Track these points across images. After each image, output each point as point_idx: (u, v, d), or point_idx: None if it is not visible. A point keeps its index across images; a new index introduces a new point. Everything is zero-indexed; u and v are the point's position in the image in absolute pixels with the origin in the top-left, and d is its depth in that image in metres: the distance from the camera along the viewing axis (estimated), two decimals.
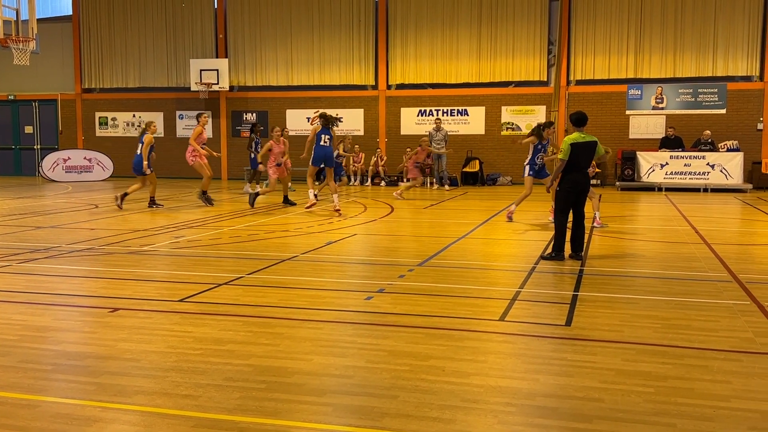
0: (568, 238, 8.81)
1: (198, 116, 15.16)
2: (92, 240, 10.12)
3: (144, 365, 4.65)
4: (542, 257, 8.75)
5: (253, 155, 17.68)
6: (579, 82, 21.94)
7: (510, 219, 12.44)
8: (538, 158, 12.26)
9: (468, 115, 22.68)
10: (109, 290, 7.04)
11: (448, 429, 3.66)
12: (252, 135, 18.11)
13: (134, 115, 25.41)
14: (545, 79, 22.13)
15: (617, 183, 20.23)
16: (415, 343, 5.15)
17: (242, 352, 4.92)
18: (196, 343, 5.11)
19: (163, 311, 6.11)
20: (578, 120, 8.75)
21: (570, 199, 8.72)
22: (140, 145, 14.19)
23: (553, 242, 8.79)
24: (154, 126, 14.70)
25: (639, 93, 21.30)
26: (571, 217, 8.89)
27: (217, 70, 23.48)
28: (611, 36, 21.50)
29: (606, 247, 9.75)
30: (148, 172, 14.25)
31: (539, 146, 12.23)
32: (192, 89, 23.72)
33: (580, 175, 8.70)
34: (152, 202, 14.61)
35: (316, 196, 14.27)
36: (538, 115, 22.10)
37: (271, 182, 14.76)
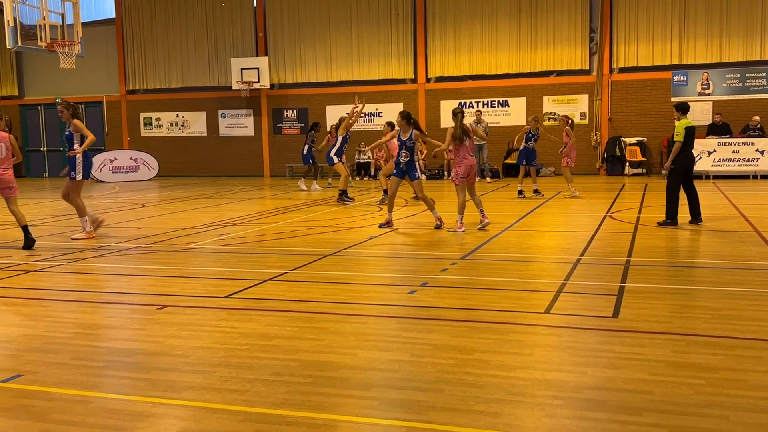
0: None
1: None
2: (140, 239, 10.31)
3: (193, 361, 4.72)
4: (658, 224, 10.31)
5: (306, 152, 18.06)
6: (622, 70, 21.57)
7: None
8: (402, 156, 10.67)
9: (509, 106, 22.50)
10: (157, 287, 7.17)
11: (495, 422, 3.64)
12: (311, 132, 18.33)
13: (177, 115, 25.79)
14: (587, 68, 21.80)
15: (663, 171, 19.83)
16: (459, 336, 5.14)
17: (288, 347, 4.96)
18: (242, 339, 5.17)
19: (210, 307, 6.20)
20: (686, 108, 10.33)
21: (682, 174, 10.20)
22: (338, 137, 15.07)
23: (667, 211, 10.31)
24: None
25: (684, 79, 20.86)
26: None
27: (258, 68, 23.68)
28: (654, 21, 21.08)
29: (653, 237, 9.58)
30: (335, 161, 15.07)
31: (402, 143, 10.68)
32: (233, 88, 23.96)
33: (690, 154, 10.33)
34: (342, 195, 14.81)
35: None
36: (580, 104, 21.82)
37: None
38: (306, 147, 18.27)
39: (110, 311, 6.32)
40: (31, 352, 4.99)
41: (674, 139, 10.21)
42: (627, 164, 21.10)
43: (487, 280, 7.17)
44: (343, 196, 14.58)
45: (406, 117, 10.62)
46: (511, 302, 6.21)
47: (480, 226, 10.31)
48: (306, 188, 18.12)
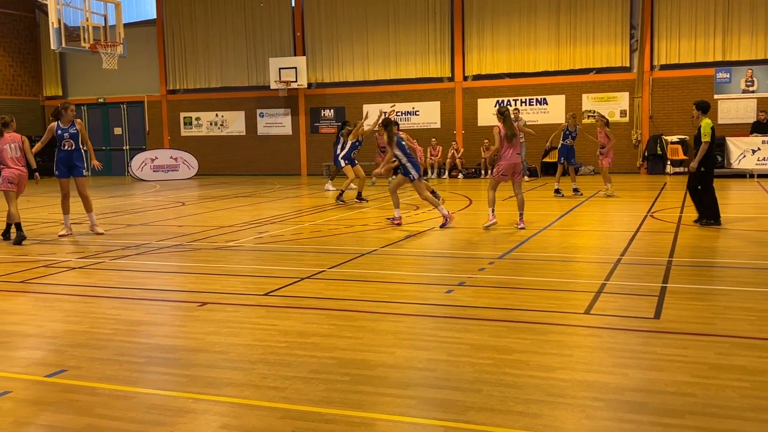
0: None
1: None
2: (180, 236, 10.45)
3: (232, 358, 4.77)
4: (700, 224, 10.15)
5: (338, 152, 17.90)
6: (663, 67, 21.23)
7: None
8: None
9: (547, 104, 22.29)
10: (197, 285, 7.26)
11: (534, 423, 3.61)
12: (342, 132, 18.23)
13: (217, 115, 26.08)
14: (628, 65, 21.50)
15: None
16: (497, 336, 5.11)
17: (326, 344, 4.99)
18: (281, 336, 5.21)
19: (250, 305, 6.25)
20: (708, 107, 10.27)
21: (711, 173, 10.19)
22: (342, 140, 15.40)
23: (708, 212, 10.19)
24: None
25: (728, 76, 20.45)
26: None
27: (296, 68, 23.84)
28: (697, 17, 20.69)
29: (695, 237, 9.42)
30: (343, 164, 15.26)
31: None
32: (272, 87, 24.16)
33: (712, 153, 10.33)
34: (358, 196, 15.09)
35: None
36: (620, 102, 21.53)
37: None
38: (338, 148, 18.12)
39: (151, 308, 6.41)
40: (75, 348, 5.09)
41: (702, 140, 10.04)
42: (668, 163, 20.76)
43: (526, 279, 7.12)
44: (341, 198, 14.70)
45: (384, 125, 11.21)
46: (550, 302, 6.15)
47: (516, 226, 10.26)
48: (334, 188, 18.02)
